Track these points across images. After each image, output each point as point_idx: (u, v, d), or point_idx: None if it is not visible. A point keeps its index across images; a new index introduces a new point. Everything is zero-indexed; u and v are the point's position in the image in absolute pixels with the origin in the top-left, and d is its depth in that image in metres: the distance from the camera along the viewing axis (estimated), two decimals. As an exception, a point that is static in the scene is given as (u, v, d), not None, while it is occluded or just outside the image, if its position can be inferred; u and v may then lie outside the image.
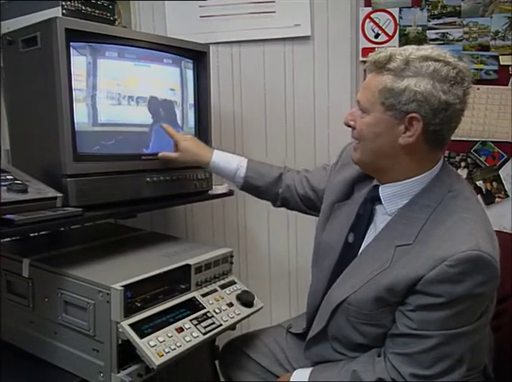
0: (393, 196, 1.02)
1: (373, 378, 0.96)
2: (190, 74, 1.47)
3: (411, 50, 0.95)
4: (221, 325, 1.20)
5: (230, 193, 1.64)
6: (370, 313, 0.98)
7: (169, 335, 1.07)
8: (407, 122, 0.94)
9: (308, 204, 1.34)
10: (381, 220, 1.05)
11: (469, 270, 0.87)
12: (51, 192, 1.10)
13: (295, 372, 1.12)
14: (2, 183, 1.04)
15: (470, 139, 1.67)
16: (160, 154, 1.34)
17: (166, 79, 1.40)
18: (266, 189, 1.37)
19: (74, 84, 1.15)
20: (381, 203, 1.04)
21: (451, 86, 0.92)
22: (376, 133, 0.98)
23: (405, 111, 0.93)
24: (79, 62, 1.16)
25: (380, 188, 1.04)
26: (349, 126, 1.05)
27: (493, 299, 0.97)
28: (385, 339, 0.99)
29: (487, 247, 0.89)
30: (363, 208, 1.09)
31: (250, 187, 1.38)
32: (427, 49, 0.95)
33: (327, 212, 1.20)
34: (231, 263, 1.36)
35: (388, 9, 1.69)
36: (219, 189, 1.59)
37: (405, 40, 1.68)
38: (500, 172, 1.67)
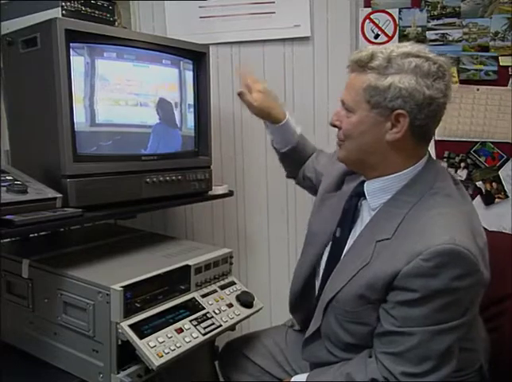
0: (376, 191, 1.03)
1: (366, 379, 0.96)
2: (189, 74, 1.47)
3: (392, 48, 0.97)
4: (221, 325, 1.20)
5: (229, 194, 1.64)
6: (354, 311, 0.99)
7: (169, 336, 1.07)
8: (393, 119, 0.96)
9: (309, 185, 1.41)
10: (366, 215, 1.06)
11: (443, 263, 0.87)
12: (50, 193, 1.10)
13: (293, 378, 1.12)
14: (2, 184, 1.04)
15: (469, 140, 1.67)
16: (239, 90, 1.37)
17: (164, 80, 1.40)
18: (300, 162, 1.42)
19: (74, 85, 1.15)
20: (366, 198, 1.05)
21: (434, 81, 0.94)
22: (363, 131, 0.99)
23: (391, 108, 0.95)
24: (78, 63, 1.17)
25: (365, 183, 1.06)
26: (335, 126, 1.06)
27: (477, 294, 0.96)
28: (373, 338, 0.99)
29: (464, 240, 0.89)
30: (349, 203, 1.10)
31: (294, 156, 1.41)
32: (407, 46, 0.97)
33: (318, 201, 1.22)
34: (231, 263, 1.36)
35: (387, 10, 1.69)
36: (218, 189, 1.59)
37: (404, 40, 1.68)
38: (500, 172, 1.67)
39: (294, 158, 1.43)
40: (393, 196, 1.01)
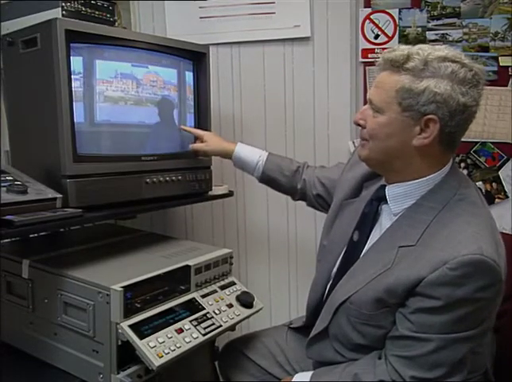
0: (398, 196, 1.01)
1: (374, 380, 0.96)
2: (189, 75, 1.47)
3: (429, 50, 0.94)
4: (221, 326, 1.20)
5: (230, 194, 1.64)
6: (370, 314, 0.97)
7: (169, 336, 1.07)
8: (423, 124, 0.94)
9: (321, 203, 1.37)
10: (386, 219, 1.05)
11: (470, 273, 0.86)
12: (51, 193, 1.10)
13: (295, 375, 1.12)
14: (2, 184, 1.04)
15: (469, 140, 1.67)
16: (191, 146, 1.45)
17: (164, 80, 1.40)
18: (284, 182, 1.41)
19: (73, 85, 1.15)
20: (387, 203, 1.04)
21: (469, 88, 0.92)
22: (389, 133, 0.97)
23: (423, 113, 0.93)
24: (78, 63, 1.16)
25: (387, 187, 1.04)
26: (359, 125, 1.04)
27: (496, 305, 0.95)
28: (386, 341, 0.98)
29: (490, 251, 0.88)
30: (369, 206, 1.09)
31: (269, 179, 1.42)
32: (443, 50, 0.94)
33: (335, 210, 1.21)
34: (231, 263, 1.36)
35: (387, 10, 1.69)
36: (218, 189, 1.59)
37: (404, 41, 1.68)
38: (500, 173, 1.67)
39: (274, 183, 1.43)
40: (417, 201, 0.99)
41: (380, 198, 1.06)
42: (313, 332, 1.12)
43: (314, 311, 1.17)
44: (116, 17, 1.37)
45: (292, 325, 1.34)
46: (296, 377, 1.11)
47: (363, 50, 1.72)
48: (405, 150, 0.97)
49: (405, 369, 0.93)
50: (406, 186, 1.00)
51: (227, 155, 1.45)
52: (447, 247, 0.89)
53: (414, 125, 0.94)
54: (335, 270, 1.14)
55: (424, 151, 0.97)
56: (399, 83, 0.94)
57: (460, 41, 1.64)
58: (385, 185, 1.05)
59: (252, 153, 1.43)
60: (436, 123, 0.93)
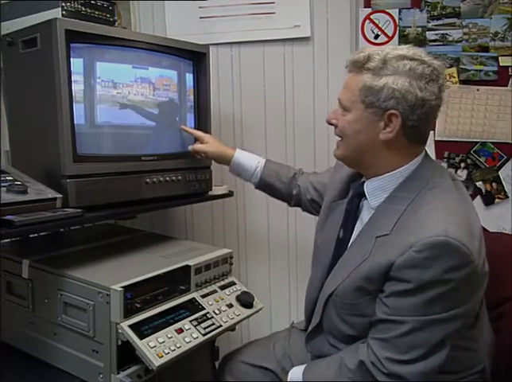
0: (375, 189, 1.06)
1: (356, 361, 0.99)
2: (189, 75, 1.47)
3: (388, 50, 1.00)
4: (221, 325, 1.20)
5: (230, 194, 1.64)
6: (353, 303, 1.01)
7: (169, 336, 1.07)
8: (386, 119, 0.98)
9: (315, 207, 1.39)
10: (366, 214, 1.09)
11: (435, 255, 0.89)
12: (51, 193, 1.10)
13: (291, 371, 1.13)
14: (2, 184, 1.04)
15: (469, 140, 1.67)
16: (190, 147, 1.43)
17: (164, 81, 1.40)
18: (281, 188, 1.44)
19: (73, 85, 1.15)
20: (366, 198, 1.08)
21: (427, 83, 0.96)
22: (357, 130, 1.02)
23: (384, 108, 0.98)
24: (78, 63, 1.16)
25: (365, 183, 1.08)
26: (331, 124, 1.09)
27: (475, 288, 0.97)
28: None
29: (457, 233, 0.90)
30: (350, 203, 1.13)
31: (266, 185, 1.45)
32: (403, 49, 1.00)
33: (325, 212, 1.24)
34: (231, 263, 1.36)
35: (387, 10, 1.69)
36: (218, 189, 1.59)
37: (404, 41, 1.68)
38: (500, 173, 1.67)
39: (271, 189, 1.45)
40: (391, 193, 1.03)
41: (360, 194, 1.10)
42: (310, 328, 1.15)
43: (312, 312, 1.18)
44: (116, 17, 1.37)
45: (295, 325, 1.34)
46: (291, 375, 1.11)
47: (363, 50, 1.72)
48: (374, 145, 1.02)
49: (381, 351, 0.96)
50: (380, 180, 1.05)
51: (226, 159, 1.45)
52: (415, 231, 0.93)
53: (378, 120, 0.99)
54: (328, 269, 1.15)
55: (391, 145, 1.01)
56: (361, 82, 1.00)
57: (460, 41, 1.64)
58: (364, 182, 1.09)
59: (251, 159, 1.45)
60: (397, 117, 0.98)
